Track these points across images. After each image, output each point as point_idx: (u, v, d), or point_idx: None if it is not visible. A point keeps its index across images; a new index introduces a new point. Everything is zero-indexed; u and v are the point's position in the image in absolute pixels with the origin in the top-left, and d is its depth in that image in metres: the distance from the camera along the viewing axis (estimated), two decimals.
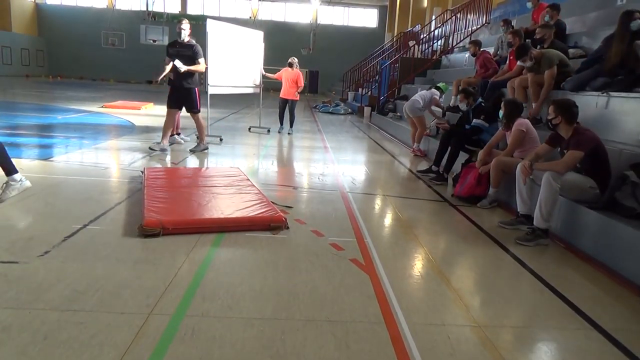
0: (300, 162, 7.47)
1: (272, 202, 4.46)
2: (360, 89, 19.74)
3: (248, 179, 5.21)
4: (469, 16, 15.02)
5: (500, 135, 5.23)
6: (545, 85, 5.67)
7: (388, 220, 4.61)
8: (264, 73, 10.46)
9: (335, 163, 7.27)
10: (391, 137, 10.96)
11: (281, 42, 34.47)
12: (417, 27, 21.79)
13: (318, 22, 38.06)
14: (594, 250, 3.74)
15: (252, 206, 4.12)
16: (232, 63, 9.29)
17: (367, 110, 16.17)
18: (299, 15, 38.74)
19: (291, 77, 10.15)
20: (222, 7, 38.53)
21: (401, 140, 10.12)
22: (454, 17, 15.52)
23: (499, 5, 15.42)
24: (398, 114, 12.63)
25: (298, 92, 10.29)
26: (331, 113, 17.48)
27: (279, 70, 10.49)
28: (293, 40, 35.16)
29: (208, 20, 8.57)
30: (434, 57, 15.41)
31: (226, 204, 4.17)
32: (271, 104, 15.28)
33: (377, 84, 16.70)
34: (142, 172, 5.47)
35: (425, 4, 26.24)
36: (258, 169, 6.46)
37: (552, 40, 6.18)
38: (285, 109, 10.34)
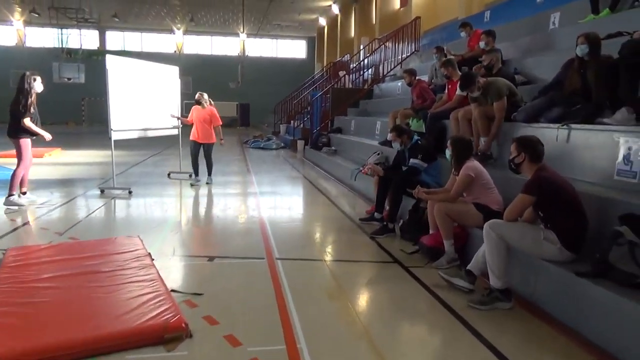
0: (223, 218, 6.22)
1: (174, 291, 3.37)
2: (292, 122, 18.99)
3: (148, 254, 4.06)
4: (397, 45, 14.75)
5: (453, 181, 4.46)
6: (497, 118, 5.03)
7: (328, 303, 3.53)
8: (174, 116, 8.98)
9: (265, 216, 6.18)
10: (326, 174, 10.09)
11: (209, 75, 33.41)
12: (347, 57, 21.55)
13: (246, 54, 37.40)
14: (583, 327, 2.95)
15: (141, 306, 2.98)
16: (141, 103, 8.10)
17: (300, 144, 15.37)
18: (227, 48, 37.90)
19: (202, 116, 8.27)
20: (145, 42, 36.94)
21: (337, 178, 9.28)
22: (382, 45, 15.21)
23: (426, 33, 15.30)
24: (332, 148, 11.86)
25: (220, 136, 8.48)
26: (263, 148, 16.50)
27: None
28: (221, 74, 34.19)
29: (107, 55, 7.42)
30: (366, 87, 14.95)
31: (104, 307, 3.00)
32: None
33: (309, 116, 16.01)
34: (3, 253, 4.16)
35: (352, 34, 26.24)
36: (167, 234, 5.27)
37: (500, 67, 5.60)
38: (199, 155, 8.46)
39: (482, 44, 7.13)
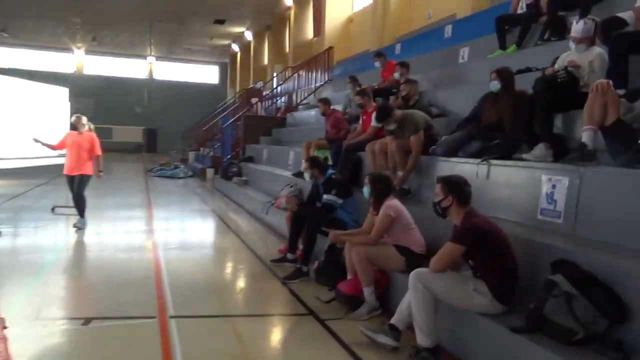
0: (109, 265, 5.27)
1: None
2: (201, 149, 18.12)
3: None
4: (310, 73, 14.62)
5: (371, 221, 4.09)
6: (413, 153, 4.78)
7: None
8: (37, 141, 6.82)
9: (162, 261, 5.36)
10: (237, 207, 9.44)
11: (113, 98, 31.45)
12: (260, 84, 21.17)
13: (154, 77, 35.79)
14: None
15: None
16: (15, 127, 7.00)
17: (209, 172, 14.58)
18: (133, 70, 35.98)
19: (79, 143, 6.68)
20: (39, 60, 33.89)
21: (248, 210, 8.66)
22: (295, 74, 15.01)
23: (339, 63, 15.36)
24: (244, 178, 11.23)
25: (100, 168, 6.94)
26: (169, 177, 15.40)
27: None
28: (127, 97, 32.29)
29: None
30: (279, 115, 14.60)
31: None
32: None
33: (220, 144, 15.28)
34: None
35: (266, 61, 26.00)
36: (36, 288, 4.31)
37: (417, 99, 5.40)
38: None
39: (396, 75, 7.03)
